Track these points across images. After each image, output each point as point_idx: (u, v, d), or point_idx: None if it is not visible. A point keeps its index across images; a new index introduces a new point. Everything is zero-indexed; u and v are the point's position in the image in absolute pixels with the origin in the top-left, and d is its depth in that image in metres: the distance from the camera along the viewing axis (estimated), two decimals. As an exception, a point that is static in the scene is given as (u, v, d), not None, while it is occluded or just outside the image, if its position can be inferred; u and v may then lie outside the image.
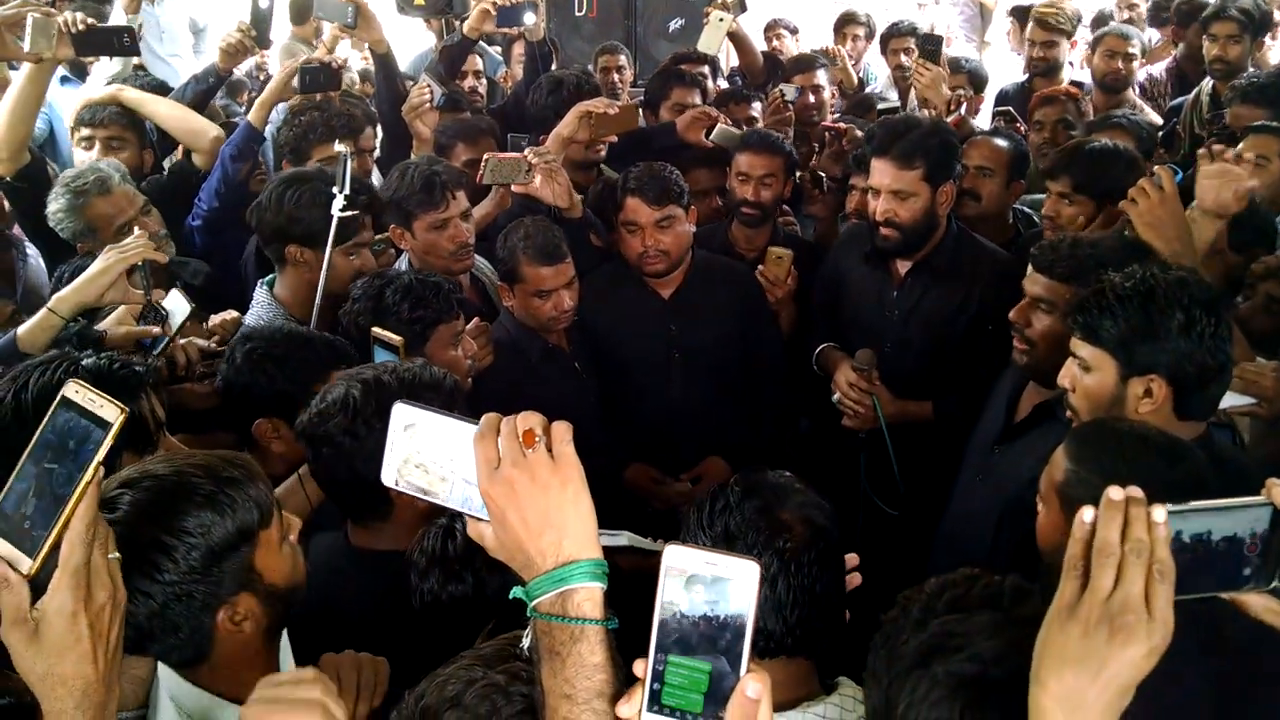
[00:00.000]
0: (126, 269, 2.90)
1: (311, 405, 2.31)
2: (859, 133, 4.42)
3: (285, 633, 1.80)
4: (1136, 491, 1.20)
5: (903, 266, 3.54)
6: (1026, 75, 5.99)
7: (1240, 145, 3.98)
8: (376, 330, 2.80)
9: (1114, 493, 1.20)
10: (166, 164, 4.50)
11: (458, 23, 5.72)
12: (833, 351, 3.64)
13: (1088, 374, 2.37)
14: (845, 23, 6.85)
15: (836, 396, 3.48)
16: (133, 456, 2.05)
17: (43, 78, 3.68)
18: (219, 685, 1.67)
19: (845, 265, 3.72)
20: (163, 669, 1.71)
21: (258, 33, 4.43)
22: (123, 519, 1.55)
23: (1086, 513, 1.22)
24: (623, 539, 2.25)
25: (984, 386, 3.17)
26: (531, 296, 3.36)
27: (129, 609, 1.49)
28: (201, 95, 4.49)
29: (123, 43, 3.92)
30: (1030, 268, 2.83)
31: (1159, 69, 6.09)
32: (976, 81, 5.63)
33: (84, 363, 2.14)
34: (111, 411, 1.31)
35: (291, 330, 2.73)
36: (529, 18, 5.14)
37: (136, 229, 3.17)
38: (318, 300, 3.15)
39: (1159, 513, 1.19)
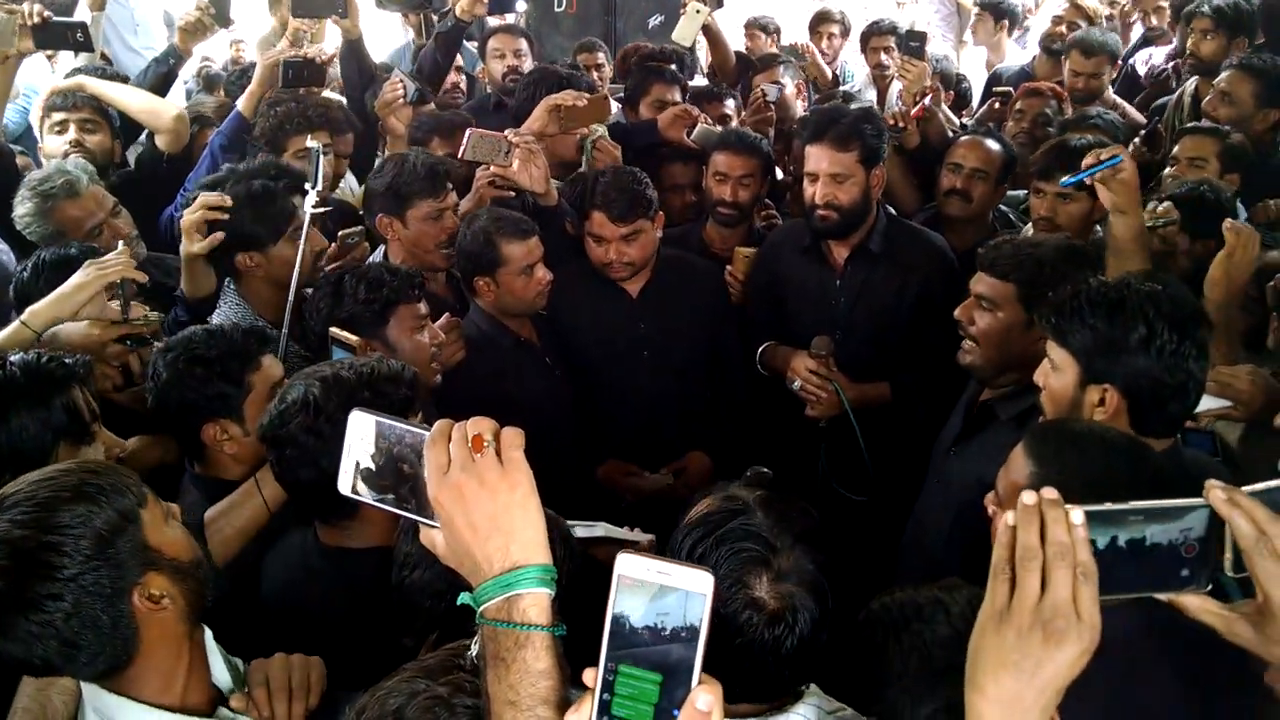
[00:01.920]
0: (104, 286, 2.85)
1: (270, 407, 2.28)
2: None
3: (210, 633, 1.78)
4: (1051, 493, 1.22)
5: (841, 255, 3.59)
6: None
7: (1176, 148, 4.07)
8: (334, 330, 2.77)
9: (1028, 497, 1.22)
10: (130, 155, 4.47)
11: (435, 17, 5.71)
12: (776, 348, 3.67)
13: (1055, 374, 2.38)
14: (820, 21, 6.87)
15: (797, 384, 3.48)
16: (70, 448, 2.06)
17: (8, 72, 3.67)
18: (145, 689, 1.65)
19: (781, 263, 3.74)
20: (85, 685, 1.68)
21: (216, 10, 4.41)
22: (10, 529, 1.54)
23: (1009, 516, 1.23)
24: (599, 530, 2.25)
25: (937, 366, 3.19)
26: (517, 276, 3.34)
27: (45, 620, 1.50)
28: (161, 77, 4.52)
29: (76, 38, 3.89)
30: (978, 268, 2.88)
31: (1161, 54, 6.06)
32: (945, 80, 5.66)
33: (12, 358, 2.12)
34: None
35: (206, 328, 2.65)
36: (521, 4, 5.10)
37: (120, 244, 3.12)
38: (291, 294, 3.13)
39: (1076, 514, 1.21)
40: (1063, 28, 5.93)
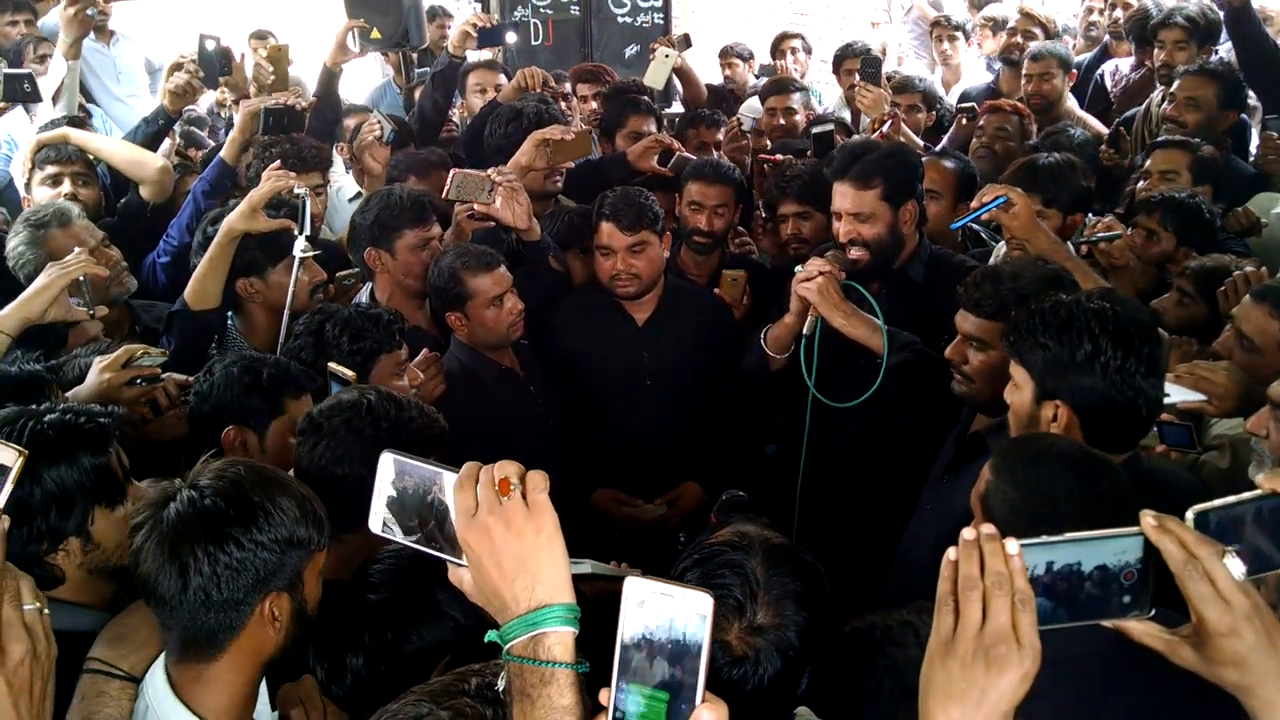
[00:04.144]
0: (68, 284, 2.92)
1: (326, 401, 2.43)
2: (796, 161, 4.43)
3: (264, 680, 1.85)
4: (988, 528, 1.28)
5: (874, 285, 3.44)
6: (953, 81, 6.16)
7: (1148, 162, 4.16)
8: (332, 365, 2.85)
9: (967, 533, 1.29)
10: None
11: (415, 55, 5.77)
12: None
13: (1015, 391, 2.45)
14: (781, 39, 6.85)
15: (803, 274, 3.24)
16: (104, 510, 2.06)
17: None
18: (207, 704, 1.74)
19: None
20: (153, 693, 1.75)
21: (205, 74, 4.45)
22: (236, 478, 1.78)
23: (951, 551, 1.29)
24: (586, 567, 2.27)
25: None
26: (485, 308, 3.37)
27: (214, 558, 1.70)
28: (152, 137, 4.52)
29: (24, 89, 3.89)
30: (960, 305, 2.87)
31: (1126, 65, 6.13)
32: (929, 99, 5.72)
33: (47, 418, 2.09)
34: (8, 455, 1.31)
35: (270, 355, 2.82)
36: (510, 36, 5.15)
37: (77, 248, 3.16)
38: (284, 324, 3.27)
39: (1012, 545, 1.26)
40: (1018, 38, 6.01)
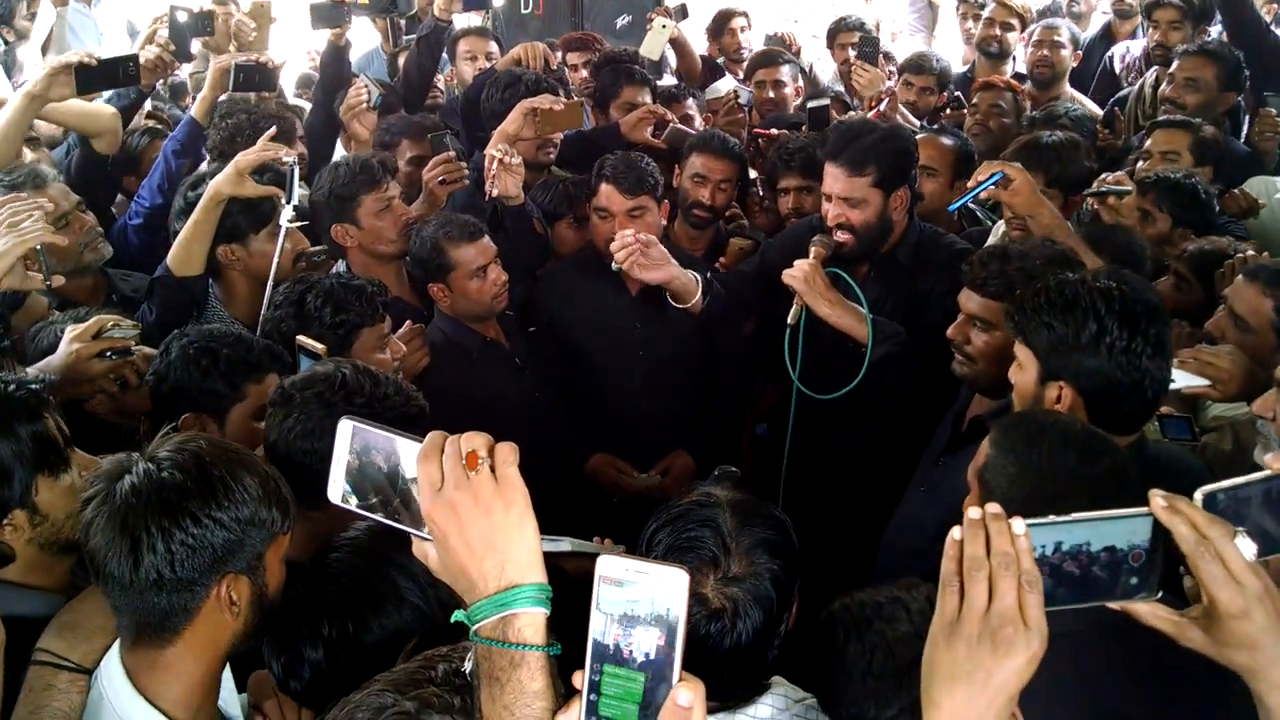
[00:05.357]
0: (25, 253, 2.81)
1: (299, 375, 2.35)
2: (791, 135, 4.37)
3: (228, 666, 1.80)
4: (994, 508, 1.25)
5: (861, 268, 3.40)
6: (973, 59, 6.08)
7: (1148, 142, 4.11)
8: (301, 338, 2.78)
9: (973, 512, 1.25)
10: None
11: (403, 21, 5.68)
12: None
13: (1019, 371, 2.42)
14: (727, 17, 6.55)
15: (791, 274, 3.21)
16: (48, 479, 2.00)
17: (34, 109, 3.71)
18: (166, 694, 1.68)
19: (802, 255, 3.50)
20: (108, 682, 1.69)
21: (176, 47, 4.38)
22: (196, 451, 1.69)
23: (955, 531, 1.25)
24: (565, 544, 2.24)
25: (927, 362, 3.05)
26: (469, 280, 3.35)
27: (169, 535, 1.61)
28: (124, 111, 4.43)
29: (128, 73, 3.87)
30: (965, 284, 2.81)
31: (1138, 45, 6.05)
32: (943, 81, 5.56)
33: None
34: None
35: (230, 330, 2.71)
36: (497, 0, 5.06)
37: (35, 214, 3.09)
38: (268, 292, 3.17)
39: (1018, 525, 1.23)
40: (995, 30, 5.86)
